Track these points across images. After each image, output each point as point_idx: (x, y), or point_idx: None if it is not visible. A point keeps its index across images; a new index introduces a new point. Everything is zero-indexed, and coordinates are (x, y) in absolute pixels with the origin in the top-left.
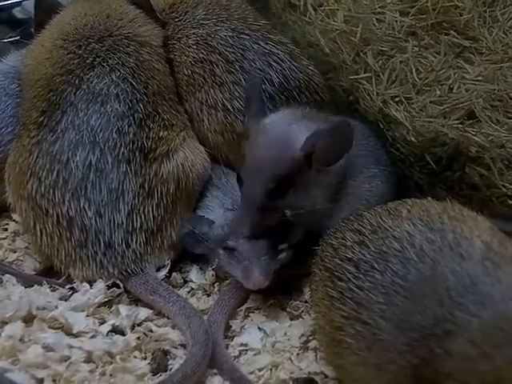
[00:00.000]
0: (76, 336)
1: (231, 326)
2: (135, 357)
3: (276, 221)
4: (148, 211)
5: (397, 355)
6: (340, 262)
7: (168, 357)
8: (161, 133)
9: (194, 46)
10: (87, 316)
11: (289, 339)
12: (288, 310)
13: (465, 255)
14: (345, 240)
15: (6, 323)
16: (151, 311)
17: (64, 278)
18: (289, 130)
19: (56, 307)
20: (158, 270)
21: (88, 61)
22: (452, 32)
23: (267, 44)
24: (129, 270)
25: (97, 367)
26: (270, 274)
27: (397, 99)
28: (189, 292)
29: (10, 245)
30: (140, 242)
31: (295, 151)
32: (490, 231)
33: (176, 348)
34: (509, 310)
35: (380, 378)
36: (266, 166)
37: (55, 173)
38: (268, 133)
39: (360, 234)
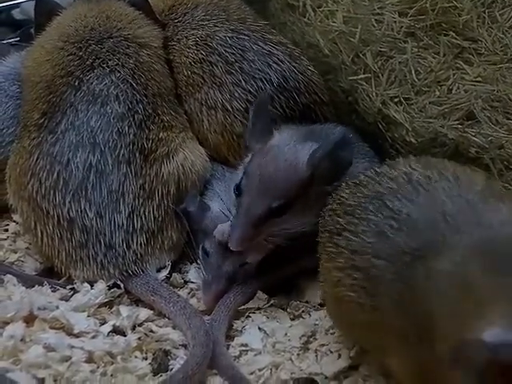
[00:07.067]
0: (77, 336)
1: (232, 326)
2: (136, 357)
3: (264, 239)
4: (148, 212)
5: (385, 286)
6: (339, 219)
7: (169, 357)
8: (160, 134)
9: (194, 47)
10: (88, 316)
11: (289, 339)
12: (288, 310)
13: (463, 187)
14: (342, 198)
15: (7, 323)
16: (152, 312)
17: (65, 278)
18: (295, 150)
19: (57, 307)
20: (159, 270)
21: (88, 62)
22: (451, 33)
23: (267, 45)
24: (129, 271)
25: (98, 367)
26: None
27: (396, 100)
28: (189, 293)
29: (10, 245)
30: (140, 243)
31: (302, 172)
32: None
33: (177, 348)
34: (503, 234)
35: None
36: (273, 184)
37: (56, 174)
38: (275, 153)
39: (356, 185)
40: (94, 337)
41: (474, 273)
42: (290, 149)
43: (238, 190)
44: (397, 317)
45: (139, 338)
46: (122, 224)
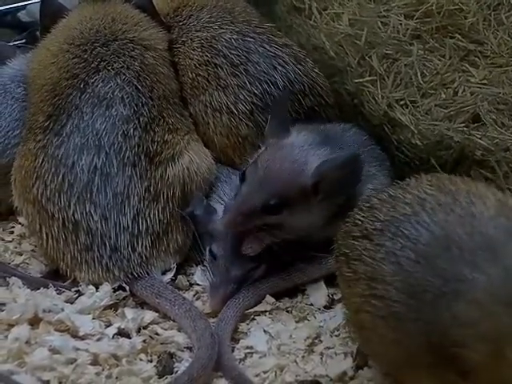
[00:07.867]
0: (82, 339)
1: (237, 328)
2: (141, 359)
3: (254, 233)
4: (154, 215)
5: (410, 324)
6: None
7: (174, 359)
8: (166, 136)
9: (199, 49)
10: (93, 319)
11: (294, 342)
12: (293, 312)
13: (478, 216)
14: (357, 221)
15: (13, 326)
16: (157, 314)
17: (70, 280)
18: (306, 154)
19: (62, 310)
20: (164, 273)
21: (93, 65)
22: (457, 35)
23: (272, 47)
24: (134, 273)
25: (103, 370)
26: (227, 299)
27: (402, 102)
28: (194, 295)
29: (16, 248)
30: (146, 246)
31: (305, 178)
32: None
33: (182, 351)
34: None
35: (399, 353)
36: (273, 182)
37: (61, 176)
38: (287, 152)
39: (370, 209)
40: (99, 339)
41: (499, 319)
42: (302, 152)
43: (243, 176)
44: (420, 351)
45: (144, 341)
46: (127, 226)
